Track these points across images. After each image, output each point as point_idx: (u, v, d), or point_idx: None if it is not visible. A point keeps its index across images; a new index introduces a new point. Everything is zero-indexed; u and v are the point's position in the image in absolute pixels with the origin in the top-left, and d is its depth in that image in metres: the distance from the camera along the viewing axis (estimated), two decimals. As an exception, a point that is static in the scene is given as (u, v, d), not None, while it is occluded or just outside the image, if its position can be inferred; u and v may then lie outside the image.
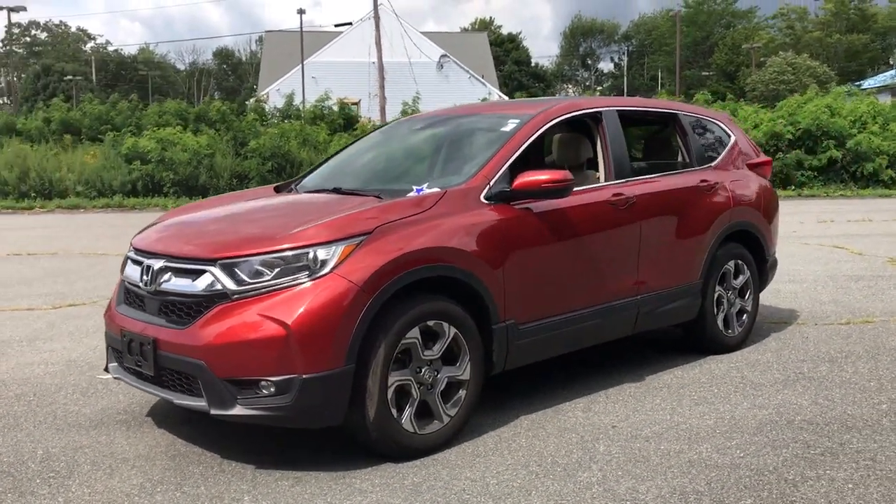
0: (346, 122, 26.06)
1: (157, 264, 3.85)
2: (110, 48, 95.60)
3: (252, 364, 3.45)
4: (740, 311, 5.65)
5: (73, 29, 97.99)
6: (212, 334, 3.50)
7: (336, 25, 40.54)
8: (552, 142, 5.21)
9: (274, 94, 40.13)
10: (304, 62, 47.10)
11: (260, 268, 3.55)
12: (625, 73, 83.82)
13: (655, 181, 5.07)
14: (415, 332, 3.72)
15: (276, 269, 3.54)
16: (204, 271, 3.63)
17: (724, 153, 5.73)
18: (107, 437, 4.13)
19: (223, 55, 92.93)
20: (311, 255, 3.55)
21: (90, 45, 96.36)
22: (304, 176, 5.22)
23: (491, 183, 4.18)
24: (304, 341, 3.41)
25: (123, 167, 20.28)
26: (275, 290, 3.50)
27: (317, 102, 31.04)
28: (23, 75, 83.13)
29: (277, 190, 5.00)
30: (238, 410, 3.50)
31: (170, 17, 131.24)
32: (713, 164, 5.58)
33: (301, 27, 41.20)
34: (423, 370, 3.79)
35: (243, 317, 3.48)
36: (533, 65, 74.05)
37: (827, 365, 5.20)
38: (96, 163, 20.38)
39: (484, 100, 32.36)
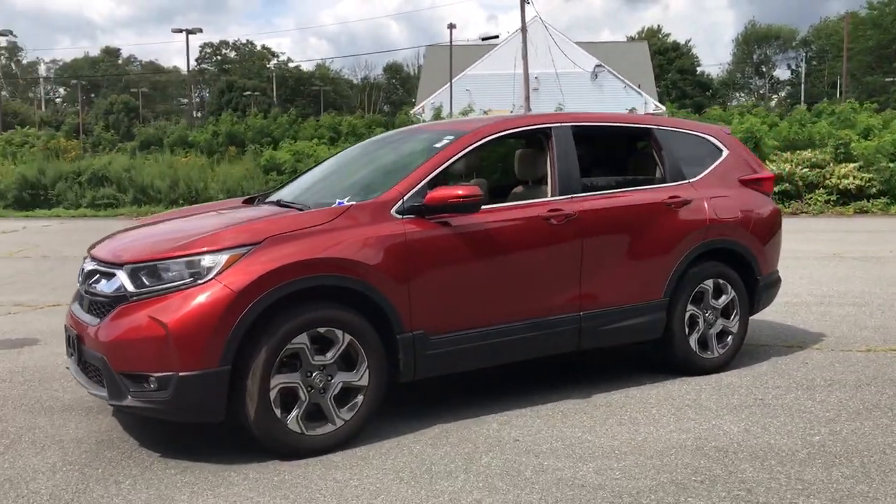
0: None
1: (89, 267, 4.29)
2: (291, 65, 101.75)
3: (140, 360, 3.80)
4: (723, 333, 5.43)
5: (259, 47, 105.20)
6: (112, 332, 3.88)
7: (483, 39, 41.11)
8: (513, 158, 5.27)
9: (428, 108, 41.42)
10: (461, 75, 48.20)
11: (155, 273, 3.90)
12: (802, 80, 79.43)
13: (608, 197, 5.01)
14: (303, 338, 3.94)
15: (170, 275, 3.88)
16: (114, 275, 4.03)
17: (709, 169, 5.54)
18: (63, 420, 4.61)
19: (392, 69, 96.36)
20: (201, 263, 3.86)
21: (273, 62, 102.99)
22: (281, 188, 5.56)
23: (405, 198, 4.33)
24: (181, 342, 3.71)
25: (261, 177, 21.65)
26: (165, 293, 3.84)
27: (459, 115, 31.76)
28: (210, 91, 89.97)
29: (248, 202, 5.36)
30: (129, 402, 3.86)
31: (353, 33, 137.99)
32: (693, 179, 5.41)
33: (451, 41, 42.13)
34: (313, 374, 3.99)
35: (136, 317, 3.83)
36: (698, 73, 71.67)
37: (798, 392, 4.93)
38: (238, 173, 21.86)
39: (632, 110, 31.95)
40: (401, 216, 4.29)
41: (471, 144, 4.68)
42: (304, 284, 3.94)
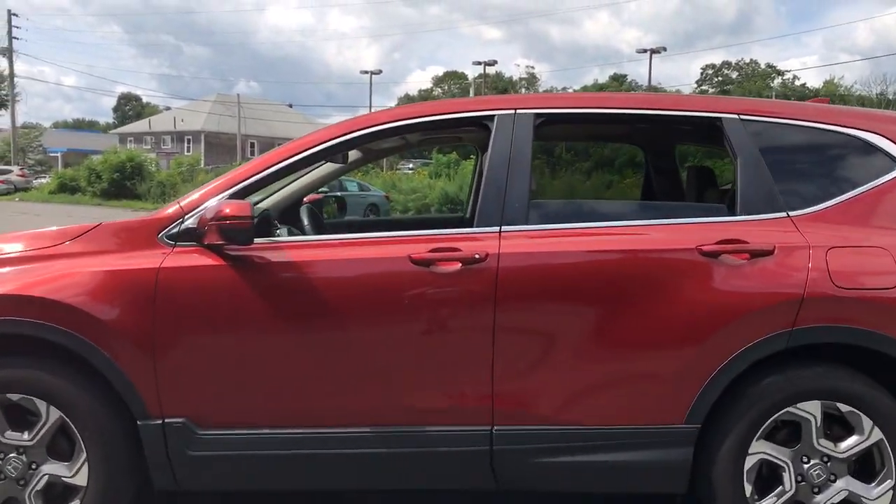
0: None
1: None
2: (797, 83, 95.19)
3: None
4: (850, 506, 2.83)
5: (763, 66, 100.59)
6: None
7: None
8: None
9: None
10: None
11: None
12: None
13: (576, 234, 2.87)
14: (-15, 404, 2.82)
15: None
16: None
17: (850, 194, 2.90)
18: None
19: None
20: None
21: (777, 80, 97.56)
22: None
23: (186, 216, 2.92)
24: None
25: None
26: None
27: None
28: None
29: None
30: None
31: (891, 45, 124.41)
32: (798, 212, 2.87)
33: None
34: (7, 457, 2.85)
35: None
36: None
37: None
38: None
39: None
40: (173, 243, 2.89)
41: (312, 147, 3.02)
42: (-7, 331, 2.81)
